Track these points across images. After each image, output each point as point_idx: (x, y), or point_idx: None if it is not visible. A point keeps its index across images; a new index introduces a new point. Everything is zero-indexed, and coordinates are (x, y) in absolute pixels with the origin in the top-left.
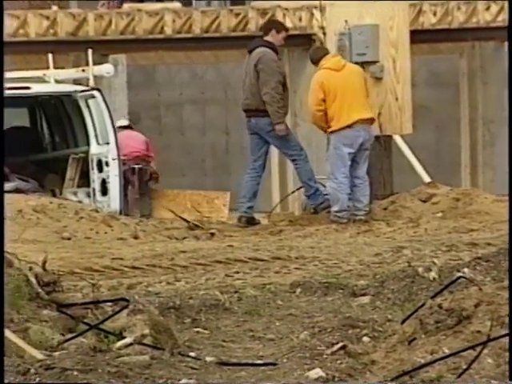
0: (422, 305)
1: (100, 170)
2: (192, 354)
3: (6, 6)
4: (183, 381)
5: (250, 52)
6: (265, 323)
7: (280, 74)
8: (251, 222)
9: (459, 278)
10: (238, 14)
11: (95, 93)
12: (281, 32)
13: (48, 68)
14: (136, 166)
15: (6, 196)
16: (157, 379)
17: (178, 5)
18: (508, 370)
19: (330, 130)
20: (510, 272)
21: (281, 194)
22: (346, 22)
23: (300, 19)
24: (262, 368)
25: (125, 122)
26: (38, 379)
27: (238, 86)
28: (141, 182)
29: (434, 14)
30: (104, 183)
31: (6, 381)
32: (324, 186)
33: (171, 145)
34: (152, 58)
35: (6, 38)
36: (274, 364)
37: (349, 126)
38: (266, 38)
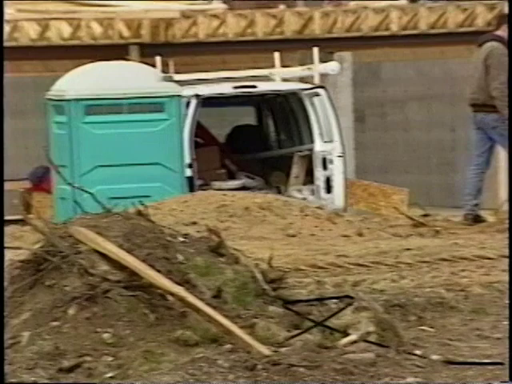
0: None
1: (324, 167)
2: (417, 352)
3: (234, 6)
4: (409, 379)
5: (480, 46)
6: (492, 322)
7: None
8: (477, 219)
9: None
10: (465, 10)
11: (320, 90)
12: None
13: (274, 66)
14: None
15: (234, 193)
16: (382, 377)
17: (404, 1)
18: (508, 369)
19: None
20: (510, 272)
21: (508, 190)
22: None
23: None
24: (490, 367)
25: None
26: (265, 374)
27: (465, 82)
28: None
29: None
30: (328, 181)
31: (232, 376)
32: None
33: (396, 142)
34: (377, 55)
35: (233, 38)
36: (502, 363)
37: None
38: (496, 33)
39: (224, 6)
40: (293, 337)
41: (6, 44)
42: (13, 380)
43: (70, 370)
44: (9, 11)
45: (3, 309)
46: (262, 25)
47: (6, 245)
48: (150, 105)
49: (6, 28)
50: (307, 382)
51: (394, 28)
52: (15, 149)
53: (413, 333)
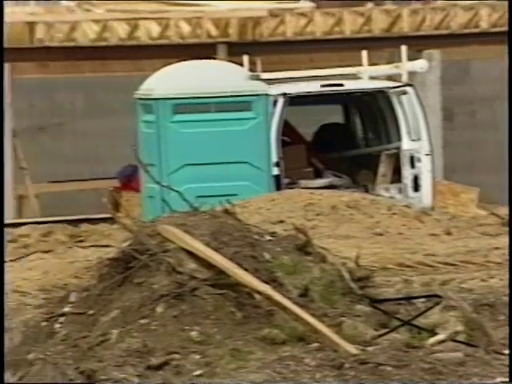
0: None
1: (412, 166)
2: (507, 351)
3: (321, 4)
4: (498, 379)
5: None
6: None
7: None
8: None
9: None
10: None
11: (408, 89)
12: None
13: (362, 65)
14: None
15: (321, 192)
16: (471, 377)
17: None
18: (508, 369)
19: None
20: (510, 274)
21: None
22: None
23: None
24: None
25: None
26: (352, 373)
27: None
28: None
29: None
30: (416, 179)
31: (319, 374)
32: None
33: (485, 141)
34: (466, 52)
35: (320, 37)
36: None
37: None
38: None
39: (312, 4)
40: (380, 336)
41: (96, 44)
42: (102, 377)
43: (159, 367)
44: (98, 11)
45: (3, 308)
46: (350, 23)
47: (94, 243)
48: (238, 103)
49: (96, 28)
50: (395, 382)
51: (484, 25)
52: (105, 148)
53: (502, 332)
